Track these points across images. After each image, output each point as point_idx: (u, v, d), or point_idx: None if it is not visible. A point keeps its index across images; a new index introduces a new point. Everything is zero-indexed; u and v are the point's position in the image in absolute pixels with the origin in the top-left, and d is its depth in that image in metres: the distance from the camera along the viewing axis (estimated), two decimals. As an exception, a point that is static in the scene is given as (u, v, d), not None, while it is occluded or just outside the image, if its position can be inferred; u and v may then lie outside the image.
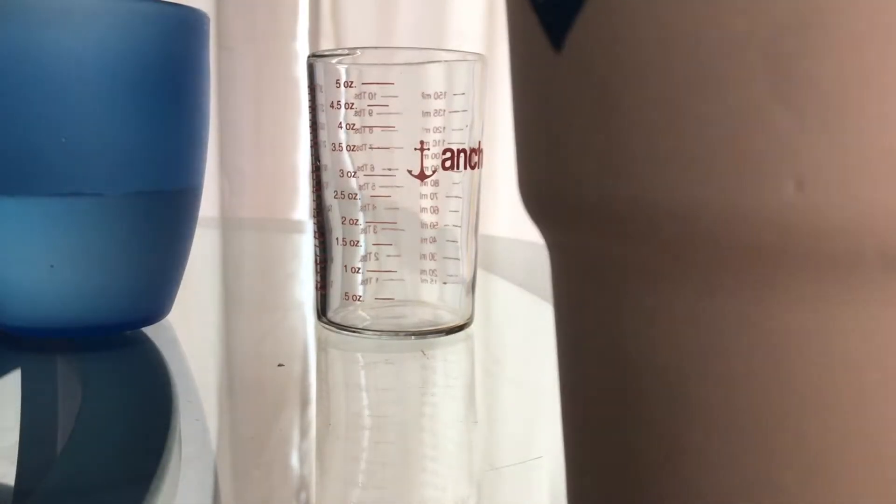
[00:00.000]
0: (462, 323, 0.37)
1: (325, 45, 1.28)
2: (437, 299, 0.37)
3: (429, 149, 0.35)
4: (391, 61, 0.36)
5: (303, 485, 0.24)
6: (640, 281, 0.12)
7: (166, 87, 0.34)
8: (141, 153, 0.34)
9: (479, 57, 0.36)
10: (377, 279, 0.36)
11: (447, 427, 0.28)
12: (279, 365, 0.34)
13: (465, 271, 0.37)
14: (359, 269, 0.36)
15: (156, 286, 0.36)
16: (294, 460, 0.26)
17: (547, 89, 0.13)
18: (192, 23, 0.36)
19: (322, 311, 0.37)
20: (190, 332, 0.40)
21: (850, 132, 0.10)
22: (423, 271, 0.36)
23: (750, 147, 0.11)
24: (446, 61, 0.36)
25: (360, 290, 0.37)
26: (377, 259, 0.36)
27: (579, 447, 0.15)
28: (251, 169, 1.31)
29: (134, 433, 0.27)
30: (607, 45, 0.12)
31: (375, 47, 0.36)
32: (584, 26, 0.12)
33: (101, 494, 0.22)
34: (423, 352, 0.34)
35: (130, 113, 0.33)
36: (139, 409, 0.29)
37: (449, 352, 0.36)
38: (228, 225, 0.98)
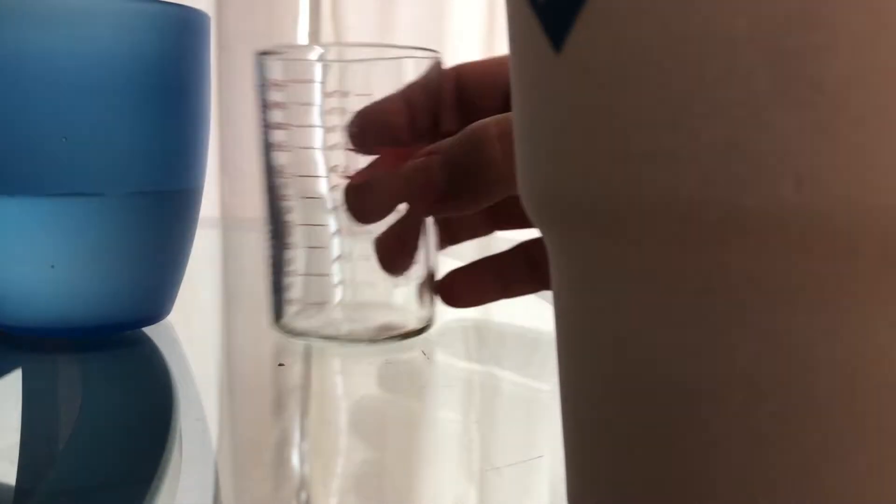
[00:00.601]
0: (421, 326, 0.35)
1: (325, 45, 1.28)
2: (401, 302, 0.35)
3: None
4: (346, 58, 0.35)
5: (303, 485, 0.24)
6: (640, 280, 0.12)
7: (166, 87, 0.34)
8: (141, 153, 0.33)
9: (430, 53, 0.34)
10: (347, 282, 0.35)
11: (446, 427, 0.28)
12: (279, 365, 0.34)
13: (422, 272, 0.35)
14: (325, 273, 0.35)
15: (156, 286, 0.36)
16: (294, 460, 0.26)
17: (547, 89, 0.13)
18: (193, 23, 0.36)
19: (278, 316, 0.35)
20: (190, 332, 0.40)
21: (850, 131, 0.10)
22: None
23: (750, 146, 0.11)
24: (396, 58, 0.34)
25: (326, 295, 0.35)
26: (349, 262, 0.35)
27: (579, 447, 0.15)
28: (251, 169, 1.31)
29: (134, 433, 0.27)
30: (607, 45, 0.12)
31: (334, 44, 0.36)
32: (584, 26, 0.12)
33: (101, 494, 0.22)
34: (423, 352, 0.34)
35: (130, 113, 0.33)
36: (139, 409, 0.29)
37: (449, 352, 0.36)
38: (228, 225, 0.98)
